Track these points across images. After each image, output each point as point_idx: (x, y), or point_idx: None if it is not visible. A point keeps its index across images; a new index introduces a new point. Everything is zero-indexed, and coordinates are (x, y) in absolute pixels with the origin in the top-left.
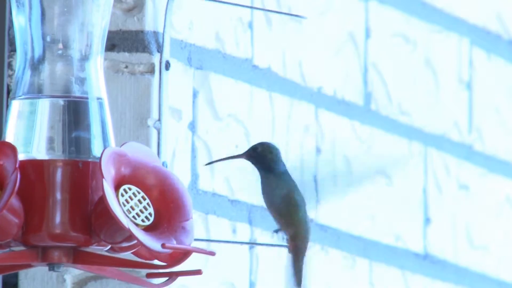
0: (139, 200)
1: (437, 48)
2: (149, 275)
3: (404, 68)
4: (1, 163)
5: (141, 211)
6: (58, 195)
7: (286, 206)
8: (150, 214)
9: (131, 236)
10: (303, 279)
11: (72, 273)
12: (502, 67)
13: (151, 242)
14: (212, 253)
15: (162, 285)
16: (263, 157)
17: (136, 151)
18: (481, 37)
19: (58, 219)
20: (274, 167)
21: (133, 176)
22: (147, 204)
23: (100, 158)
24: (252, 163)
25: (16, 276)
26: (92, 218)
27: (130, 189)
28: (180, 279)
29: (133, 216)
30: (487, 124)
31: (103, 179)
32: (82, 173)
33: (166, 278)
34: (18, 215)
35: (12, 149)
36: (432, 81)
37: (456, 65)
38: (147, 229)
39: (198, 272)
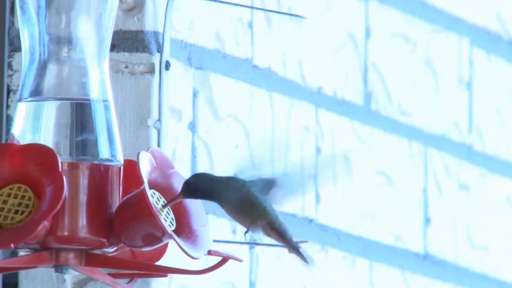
0: (162, 205)
1: (437, 48)
2: (114, 275)
3: (404, 68)
4: (38, 168)
5: (166, 216)
6: (80, 198)
7: (246, 204)
8: (172, 219)
9: (156, 240)
10: (305, 254)
11: (72, 273)
12: (502, 67)
13: (189, 249)
14: (240, 260)
15: (127, 287)
16: (201, 184)
17: (158, 156)
18: (481, 37)
19: (78, 221)
20: (217, 185)
21: (156, 181)
22: (169, 209)
23: (137, 162)
24: (196, 197)
25: (16, 276)
26: (116, 221)
27: (154, 194)
28: (180, 279)
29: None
30: (487, 124)
31: (144, 182)
32: (102, 176)
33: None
34: (49, 218)
35: (51, 153)
36: (432, 81)
37: (456, 65)
38: None
39: (163, 274)
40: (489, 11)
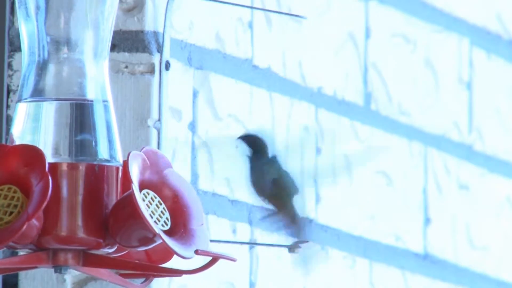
0: (156, 205)
1: (437, 48)
2: (124, 275)
3: (404, 68)
4: (27, 168)
5: (160, 215)
6: (74, 198)
7: (278, 190)
8: (167, 219)
9: (149, 240)
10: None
11: (72, 273)
12: (502, 67)
13: (180, 248)
14: (234, 259)
15: (141, 286)
16: (263, 145)
17: (152, 155)
18: (481, 37)
19: (73, 222)
20: (263, 155)
21: (151, 180)
22: (164, 209)
23: (127, 162)
24: (253, 158)
25: (16, 276)
26: (110, 221)
27: (148, 193)
28: (180, 279)
29: (155, 221)
30: (487, 124)
31: (133, 183)
32: (97, 176)
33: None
34: (40, 218)
35: (40, 153)
36: (432, 81)
37: (456, 65)
38: (166, 234)
39: (178, 274)
40: (489, 11)
